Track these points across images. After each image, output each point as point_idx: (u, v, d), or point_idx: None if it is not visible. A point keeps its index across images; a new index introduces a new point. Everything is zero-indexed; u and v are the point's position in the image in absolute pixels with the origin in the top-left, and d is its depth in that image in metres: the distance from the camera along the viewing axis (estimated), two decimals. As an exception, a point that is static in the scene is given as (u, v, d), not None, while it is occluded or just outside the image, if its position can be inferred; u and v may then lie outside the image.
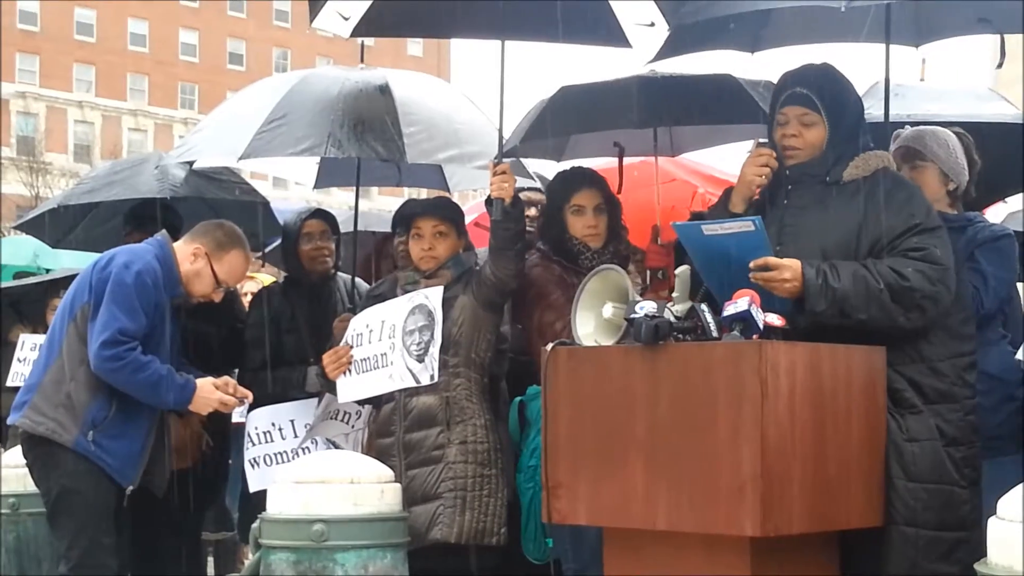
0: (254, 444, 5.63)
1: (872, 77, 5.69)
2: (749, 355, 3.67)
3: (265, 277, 7.92)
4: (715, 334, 3.83)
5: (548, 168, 6.57)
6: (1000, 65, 5.12)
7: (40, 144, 49.13)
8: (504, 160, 5.00)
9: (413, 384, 4.86)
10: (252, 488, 5.60)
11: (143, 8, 57.90)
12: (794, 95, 4.21)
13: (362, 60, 6.37)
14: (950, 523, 3.96)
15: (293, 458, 5.42)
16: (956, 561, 3.93)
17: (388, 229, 6.28)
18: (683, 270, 4.16)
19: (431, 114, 5.73)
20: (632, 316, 3.88)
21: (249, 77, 35.06)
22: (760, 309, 3.78)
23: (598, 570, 4.18)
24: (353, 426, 5.41)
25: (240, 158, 5.55)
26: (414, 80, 6.08)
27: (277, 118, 5.54)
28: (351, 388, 5.08)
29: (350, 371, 5.07)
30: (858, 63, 5.39)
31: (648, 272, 5.18)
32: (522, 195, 5.05)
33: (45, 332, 5.45)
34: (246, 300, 6.51)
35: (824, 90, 4.19)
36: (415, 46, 61.98)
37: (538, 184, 6.24)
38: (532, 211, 5.45)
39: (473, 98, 6.14)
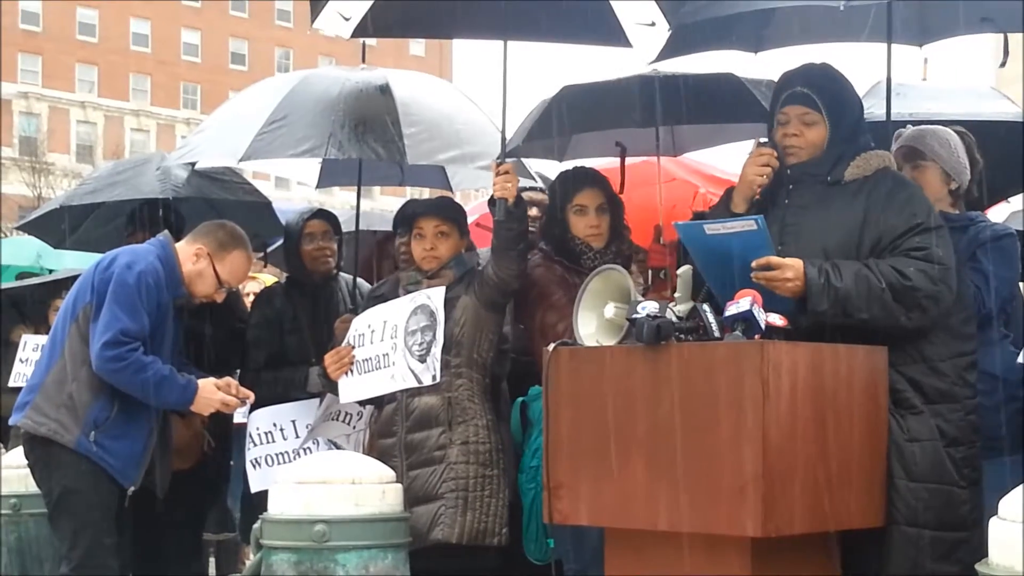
0: (255, 444, 5.63)
1: (875, 76, 5.69)
2: (751, 355, 3.67)
3: (267, 277, 7.91)
4: (717, 334, 3.83)
5: (550, 168, 6.57)
6: (1003, 64, 5.12)
7: (42, 144, 49.14)
8: (506, 160, 5.00)
9: (415, 384, 4.86)
10: (253, 488, 5.60)
11: (145, 8, 57.95)
12: (795, 94, 4.21)
13: (363, 60, 6.37)
14: (951, 523, 3.96)
15: (295, 459, 5.41)
16: (957, 561, 3.93)
17: (389, 228, 6.27)
18: (685, 270, 4.15)
19: (432, 114, 5.72)
20: (634, 316, 3.88)
21: (251, 77, 35.06)
22: (762, 309, 3.78)
23: (599, 570, 4.18)
24: (354, 427, 5.41)
25: (241, 159, 5.55)
26: (415, 80, 6.07)
27: (278, 119, 5.54)
28: (353, 388, 5.08)
29: (352, 371, 5.07)
30: (861, 63, 5.40)
31: (650, 272, 5.18)
32: (524, 195, 5.05)
33: (47, 333, 5.45)
34: (248, 300, 6.51)
35: (824, 89, 4.20)
36: (417, 46, 61.98)
37: (540, 184, 6.24)
38: (533, 211, 5.45)
39: (475, 98, 6.14)
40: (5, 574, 5.66)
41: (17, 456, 5.41)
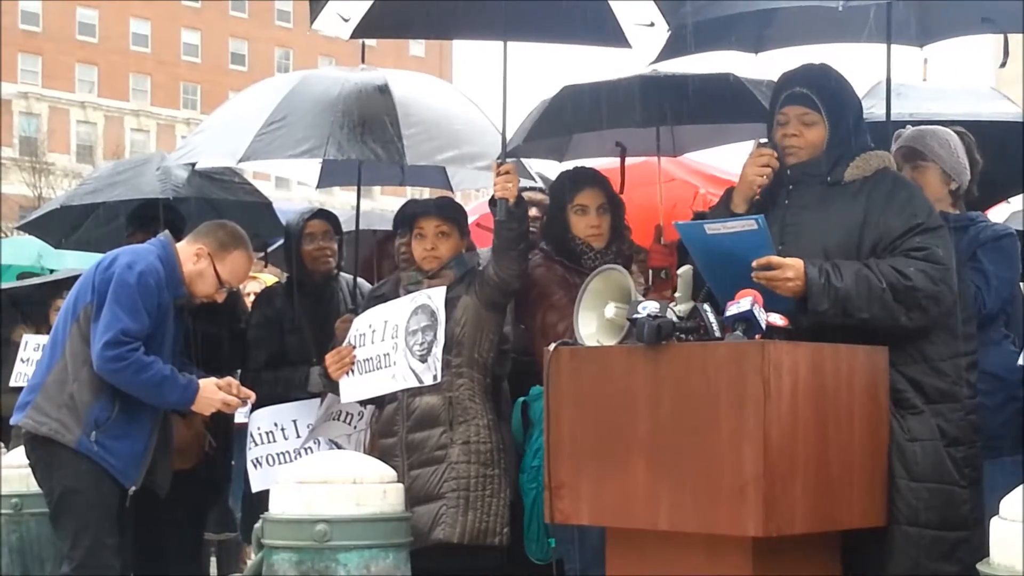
0: (256, 444, 5.64)
1: (876, 77, 5.70)
2: (752, 355, 3.67)
3: (268, 277, 7.92)
4: (718, 334, 3.83)
5: (550, 168, 6.57)
6: (1003, 64, 5.12)
7: (43, 144, 49.12)
8: (506, 160, 5.00)
9: (416, 384, 4.86)
10: (255, 488, 5.60)
11: (145, 8, 57.95)
12: (794, 95, 4.22)
13: (363, 60, 6.36)
14: (951, 523, 3.97)
15: (295, 458, 5.41)
16: (958, 561, 3.93)
17: (389, 227, 6.27)
18: (685, 270, 4.16)
19: (431, 115, 5.72)
20: (634, 316, 3.89)
21: (251, 77, 35.11)
22: (763, 309, 3.78)
23: (600, 570, 4.18)
24: (355, 427, 5.41)
25: (240, 160, 5.54)
26: (414, 80, 6.07)
27: (277, 120, 5.54)
28: (354, 388, 5.09)
29: (353, 371, 5.07)
30: (862, 63, 5.40)
31: (651, 272, 5.19)
32: (523, 195, 5.05)
33: (48, 332, 5.46)
34: (249, 300, 6.52)
35: (824, 90, 4.20)
36: (417, 46, 61.98)
37: (540, 184, 6.24)
38: (532, 211, 5.45)
39: (476, 99, 6.14)
40: (6, 574, 5.67)
41: (18, 456, 5.41)
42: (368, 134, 5.47)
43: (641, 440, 3.86)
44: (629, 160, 5.83)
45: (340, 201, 30.79)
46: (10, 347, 7.75)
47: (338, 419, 5.45)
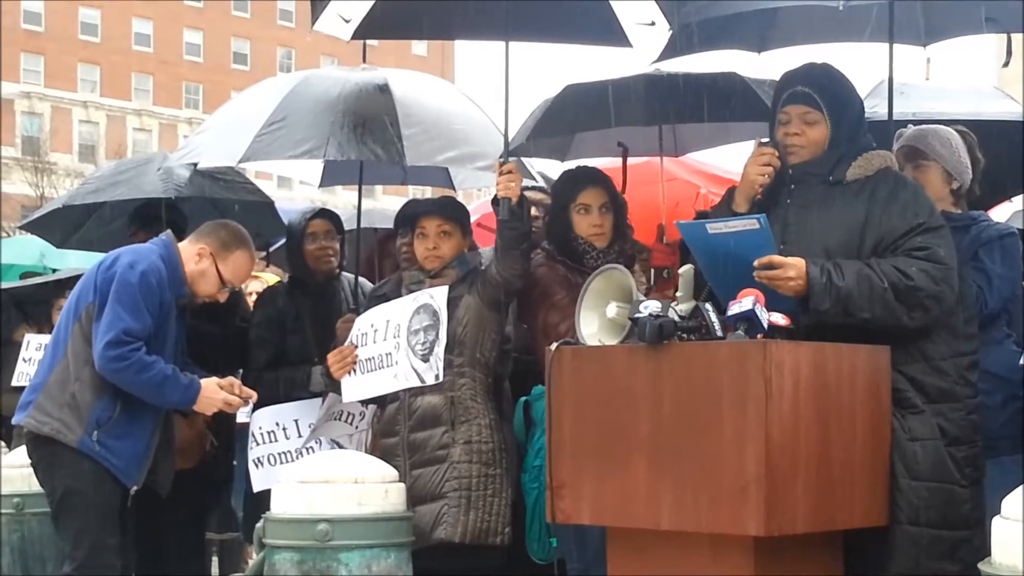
0: (258, 444, 5.63)
1: (879, 76, 5.69)
2: (753, 354, 3.67)
3: (270, 277, 7.91)
4: (719, 333, 3.83)
5: (552, 168, 6.57)
6: (1006, 64, 5.12)
7: (45, 144, 49.15)
8: (508, 160, 5.00)
9: (418, 384, 4.86)
10: (256, 488, 5.59)
11: (147, 8, 57.99)
12: (796, 94, 4.21)
13: (364, 60, 6.36)
14: (952, 522, 3.97)
15: (297, 458, 5.41)
16: (959, 560, 3.93)
17: (390, 226, 6.27)
18: (687, 269, 4.16)
19: (431, 115, 5.71)
20: (636, 316, 3.88)
21: (253, 77, 35.08)
22: (764, 308, 3.78)
23: (602, 570, 4.18)
24: (357, 427, 5.41)
25: (240, 160, 5.54)
26: (415, 80, 6.06)
27: (277, 120, 5.53)
28: (356, 388, 5.09)
29: (355, 371, 5.07)
30: (865, 63, 5.40)
31: (653, 271, 5.18)
32: (525, 195, 5.05)
33: (50, 332, 5.45)
34: (251, 300, 6.51)
35: (825, 89, 4.20)
36: (419, 46, 61.97)
37: (541, 183, 6.23)
38: (534, 211, 5.45)
39: (477, 98, 6.13)
40: (8, 574, 5.67)
41: (20, 455, 5.41)
42: (368, 134, 5.47)
43: (643, 440, 3.86)
44: (631, 159, 5.83)
45: (343, 200, 30.82)
46: (12, 347, 7.75)
47: (340, 419, 5.45)
